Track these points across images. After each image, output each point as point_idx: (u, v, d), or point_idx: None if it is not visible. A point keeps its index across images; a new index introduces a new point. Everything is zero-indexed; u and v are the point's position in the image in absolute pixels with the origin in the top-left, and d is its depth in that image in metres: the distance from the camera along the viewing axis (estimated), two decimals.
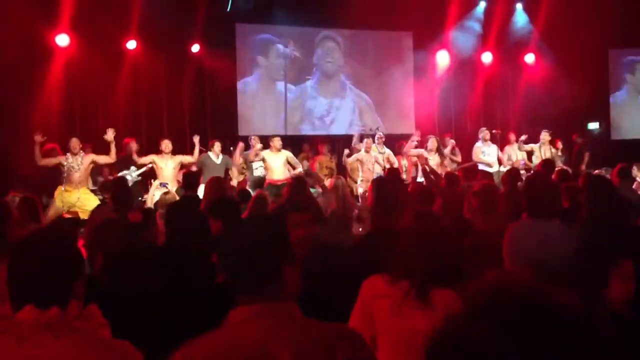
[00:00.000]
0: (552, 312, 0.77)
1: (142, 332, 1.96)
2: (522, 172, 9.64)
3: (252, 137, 9.89)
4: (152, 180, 9.19)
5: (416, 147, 10.54)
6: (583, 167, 10.94)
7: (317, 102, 13.31)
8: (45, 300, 1.54)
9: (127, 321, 1.98)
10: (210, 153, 9.47)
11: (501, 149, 11.27)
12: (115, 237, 3.13)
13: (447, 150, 10.50)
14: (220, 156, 9.49)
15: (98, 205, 5.97)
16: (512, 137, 11.41)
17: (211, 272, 3.16)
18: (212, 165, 9.20)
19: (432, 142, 10.20)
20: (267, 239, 1.61)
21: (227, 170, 9.50)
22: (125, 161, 9.63)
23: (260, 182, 9.28)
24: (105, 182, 6.29)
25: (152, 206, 7.29)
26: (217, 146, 9.46)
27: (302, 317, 1.56)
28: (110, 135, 8.67)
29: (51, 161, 8.41)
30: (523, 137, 11.21)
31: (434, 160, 9.92)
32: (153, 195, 8.00)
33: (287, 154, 9.56)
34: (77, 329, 1.55)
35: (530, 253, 3.06)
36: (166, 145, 9.06)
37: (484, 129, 11.05)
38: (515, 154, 11.17)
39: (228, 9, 12.06)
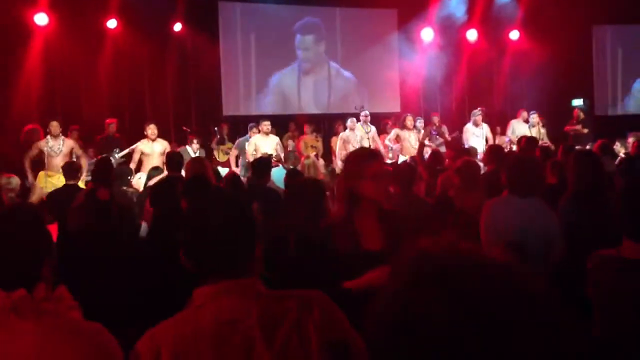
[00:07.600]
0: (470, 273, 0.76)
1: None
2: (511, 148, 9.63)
3: (253, 128, 9.90)
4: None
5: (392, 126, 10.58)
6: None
7: (302, 81, 13.21)
8: (11, 282, 1.50)
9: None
10: (188, 147, 9.51)
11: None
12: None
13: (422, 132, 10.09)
14: (198, 152, 9.46)
15: (63, 186, 5.94)
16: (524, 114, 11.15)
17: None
18: (188, 159, 9.16)
19: (409, 120, 10.17)
20: (247, 219, 1.61)
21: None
22: (107, 142, 9.53)
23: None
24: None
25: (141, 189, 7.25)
26: (195, 143, 9.58)
27: (267, 291, 1.55)
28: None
29: (33, 153, 8.35)
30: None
31: (412, 137, 9.89)
32: (139, 178, 7.88)
33: (276, 140, 9.59)
34: (46, 311, 1.51)
35: (505, 229, 3.07)
36: (152, 130, 8.89)
37: (476, 111, 10.48)
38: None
39: None
